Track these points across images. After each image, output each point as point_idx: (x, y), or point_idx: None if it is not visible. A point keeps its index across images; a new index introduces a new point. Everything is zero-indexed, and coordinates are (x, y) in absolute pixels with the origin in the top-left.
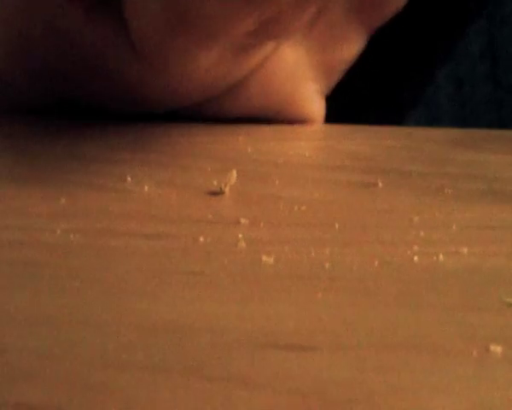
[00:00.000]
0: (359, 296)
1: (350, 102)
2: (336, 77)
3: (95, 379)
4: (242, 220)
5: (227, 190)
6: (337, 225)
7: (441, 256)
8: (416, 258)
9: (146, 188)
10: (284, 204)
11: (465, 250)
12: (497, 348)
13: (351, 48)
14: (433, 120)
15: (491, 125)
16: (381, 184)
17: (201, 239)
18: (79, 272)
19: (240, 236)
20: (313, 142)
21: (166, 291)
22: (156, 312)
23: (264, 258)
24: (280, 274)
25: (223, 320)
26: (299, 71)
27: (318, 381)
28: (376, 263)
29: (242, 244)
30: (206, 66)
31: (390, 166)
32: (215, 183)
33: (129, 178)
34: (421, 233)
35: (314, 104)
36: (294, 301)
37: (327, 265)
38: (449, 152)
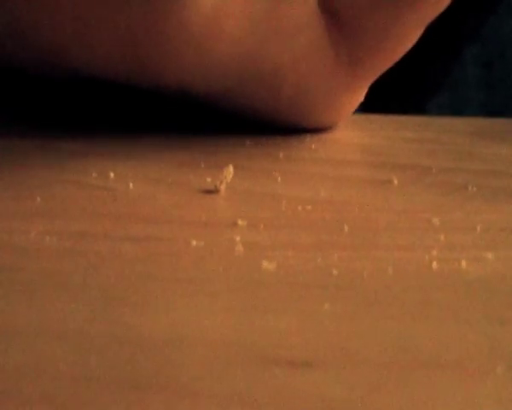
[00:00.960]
0: (371, 308)
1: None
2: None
3: (75, 400)
4: (240, 222)
5: (223, 187)
6: (346, 228)
7: (463, 262)
8: (434, 264)
9: (131, 185)
10: (287, 204)
11: (490, 255)
12: None
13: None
14: (458, 107)
15: None
16: (396, 182)
17: (194, 243)
18: (56, 279)
19: (237, 239)
20: (319, 133)
21: (155, 301)
22: (143, 324)
23: (265, 264)
24: (282, 282)
25: (218, 333)
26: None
27: (325, 401)
28: (390, 270)
29: (240, 249)
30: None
31: (407, 160)
32: (209, 180)
33: (112, 174)
34: (442, 236)
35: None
36: (298, 312)
37: (334, 272)
38: (473, 145)
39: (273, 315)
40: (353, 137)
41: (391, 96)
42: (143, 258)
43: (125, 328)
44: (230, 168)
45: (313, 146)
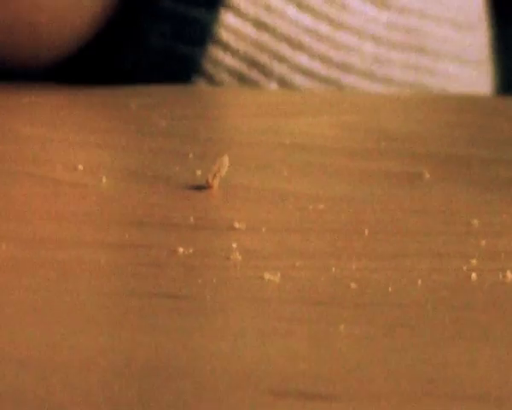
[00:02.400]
0: (396, 330)
1: None
2: None
3: None
4: (237, 225)
5: (216, 183)
6: (367, 232)
7: (509, 273)
8: (474, 276)
9: (104, 180)
10: (294, 202)
11: None
12: None
13: None
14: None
15: None
16: (428, 176)
17: (181, 251)
18: (14, 296)
19: (234, 246)
20: (334, 116)
21: (134, 321)
22: (120, 348)
23: (267, 276)
24: (288, 298)
25: (213, 361)
26: None
27: None
28: (420, 283)
29: (237, 257)
30: None
31: (441, 149)
32: (199, 173)
33: (80, 167)
34: (483, 242)
35: None
36: (308, 335)
37: (352, 285)
38: None
39: (279, 339)
40: (376, 120)
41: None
42: (120, 269)
43: (98, 354)
44: (225, 159)
45: (326, 132)
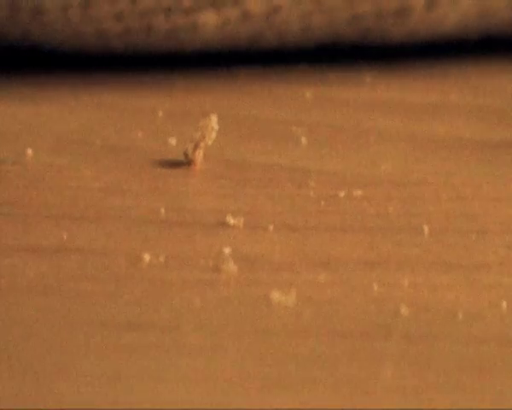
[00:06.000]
0: (471, 373)
1: None
2: None
3: None
4: (231, 220)
5: (198, 156)
6: (427, 229)
7: None
8: None
9: (30, 152)
10: (317, 185)
11: None
12: None
13: None
14: None
15: None
16: None
17: (147, 258)
18: None
19: (226, 251)
20: (379, 55)
21: (83, 356)
22: (66, 393)
23: (276, 296)
24: (307, 331)
25: None
26: None
27: None
28: (505, 305)
29: (231, 268)
30: None
31: None
32: (173, 142)
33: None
34: None
35: None
36: (336, 386)
37: (404, 310)
38: None
39: (292, 394)
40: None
41: None
42: (62, 283)
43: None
44: (213, 120)
45: (368, 79)
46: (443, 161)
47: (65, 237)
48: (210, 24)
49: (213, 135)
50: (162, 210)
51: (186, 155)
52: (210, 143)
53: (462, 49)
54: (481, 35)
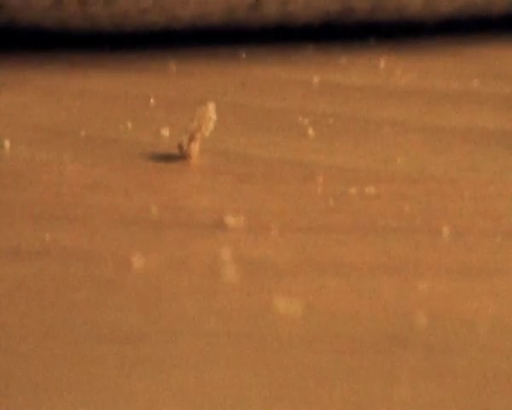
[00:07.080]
0: (495, 389)
1: None
2: None
3: None
4: (230, 220)
5: (194, 150)
6: (446, 231)
7: None
8: None
9: (7, 144)
10: (325, 182)
11: None
12: None
13: None
14: None
15: None
16: None
17: (137, 262)
18: None
19: (225, 255)
20: (390, 35)
21: (65, 370)
22: None
23: (280, 303)
24: (316, 343)
25: None
26: None
27: None
28: None
29: (231, 273)
30: None
31: None
32: (166, 134)
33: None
34: None
35: None
36: (346, 398)
37: (421, 319)
38: None
39: (300, 408)
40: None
41: None
42: (43, 290)
43: None
44: (210, 109)
45: (382, 63)
46: (465, 155)
47: (47, 238)
48: None
49: (211, 125)
50: (154, 209)
51: (180, 147)
52: (207, 134)
53: (490, 29)
54: (509, 11)
